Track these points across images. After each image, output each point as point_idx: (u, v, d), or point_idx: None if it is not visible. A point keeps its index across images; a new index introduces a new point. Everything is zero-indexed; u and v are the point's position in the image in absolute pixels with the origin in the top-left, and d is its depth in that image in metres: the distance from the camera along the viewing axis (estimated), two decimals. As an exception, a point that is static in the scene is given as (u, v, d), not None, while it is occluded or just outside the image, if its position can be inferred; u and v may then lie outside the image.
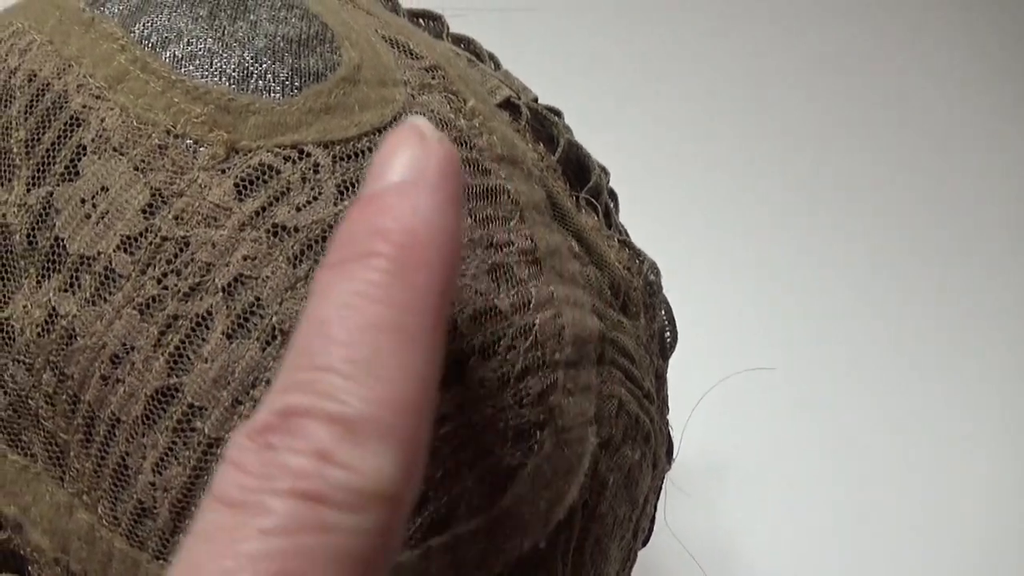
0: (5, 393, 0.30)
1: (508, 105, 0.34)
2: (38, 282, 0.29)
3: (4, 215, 0.30)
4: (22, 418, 0.30)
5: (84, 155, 0.30)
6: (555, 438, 0.29)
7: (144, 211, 0.29)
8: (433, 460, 0.28)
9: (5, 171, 0.31)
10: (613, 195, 0.38)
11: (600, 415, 0.30)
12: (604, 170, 0.37)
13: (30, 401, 0.29)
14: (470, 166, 0.31)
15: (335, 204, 0.29)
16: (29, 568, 0.30)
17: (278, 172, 0.29)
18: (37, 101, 0.31)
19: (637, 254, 0.36)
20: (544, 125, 0.35)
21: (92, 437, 0.29)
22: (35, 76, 0.31)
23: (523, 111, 0.34)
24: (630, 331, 0.33)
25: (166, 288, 0.28)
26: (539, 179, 0.32)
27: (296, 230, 0.28)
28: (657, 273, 0.36)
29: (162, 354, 0.28)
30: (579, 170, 0.36)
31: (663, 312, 0.36)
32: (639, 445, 0.32)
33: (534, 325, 0.29)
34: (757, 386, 0.52)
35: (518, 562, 0.29)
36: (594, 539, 0.31)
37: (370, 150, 0.30)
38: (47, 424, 0.29)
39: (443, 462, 0.28)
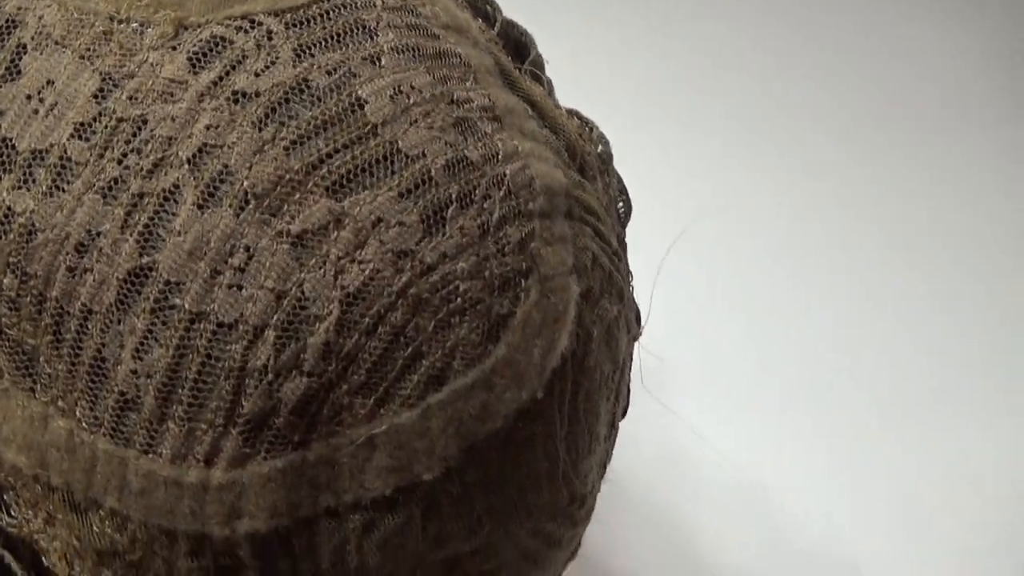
0: None
1: None
2: None
3: None
4: None
5: (24, 54, 0.29)
6: (540, 286, 0.29)
7: (95, 96, 0.28)
8: (423, 312, 0.27)
9: None
10: (549, 81, 0.38)
11: (578, 266, 0.30)
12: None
13: None
14: (418, 31, 0.31)
15: (293, 67, 0.28)
16: (4, 497, 0.29)
17: (231, 43, 0.28)
18: None
19: (586, 123, 0.36)
20: (479, 3, 0.35)
21: (63, 335, 0.27)
22: None
23: None
24: (591, 192, 0.33)
25: (127, 168, 0.27)
26: (485, 47, 0.32)
27: (257, 95, 0.28)
28: (607, 143, 0.36)
29: (131, 235, 0.27)
30: (518, 46, 0.36)
31: (615, 182, 0.36)
32: (615, 301, 0.32)
33: (505, 175, 0.29)
34: (714, 238, 0.52)
35: (518, 414, 0.29)
36: (585, 393, 0.31)
37: (320, 16, 0.29)
38: (11, 332, 0.28)
39: (433, 313, 0.27)
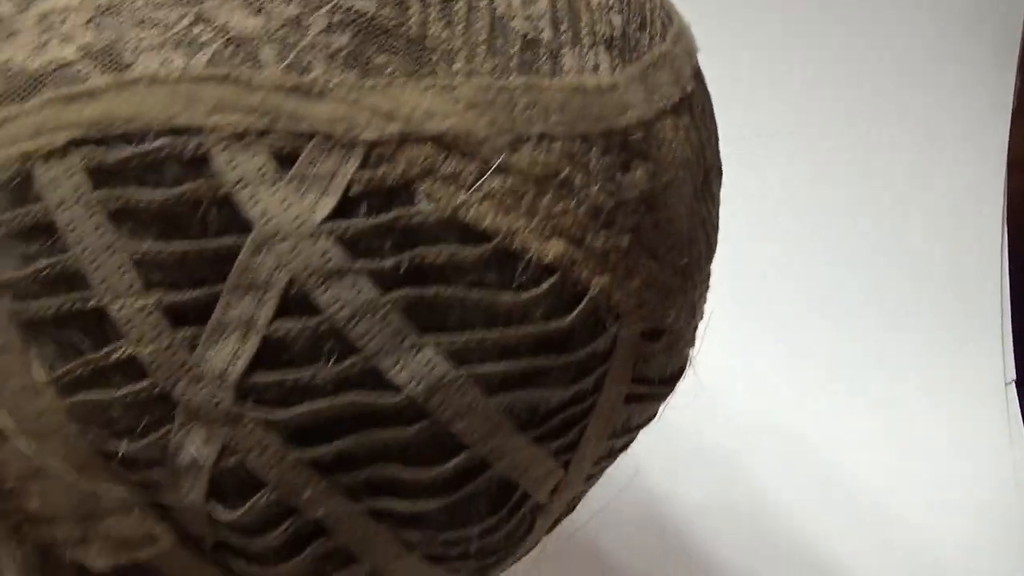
0: (345, 28, 0.30)
1: None
2: None
3: None
4: (369, 40, 0.31)
5: None
6: None
7: None
8: None
9: None
10: None
11: None
12: None
13: (376, 21, 0.31)
14: None
15: None
16: (414, 191, 0.30)
17: None
18: None
19: None
20: None
21: (455, 16, 0.31)
22: None
23: None
24: None
25: None
26: None
27: None
28: None
29: None
30: None
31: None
32: None
33: None
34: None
35: (693, 72, 0.37)
36: None
37: None
38: (402, 30, 0.31)
39: None
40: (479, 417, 0.32)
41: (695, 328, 0.38)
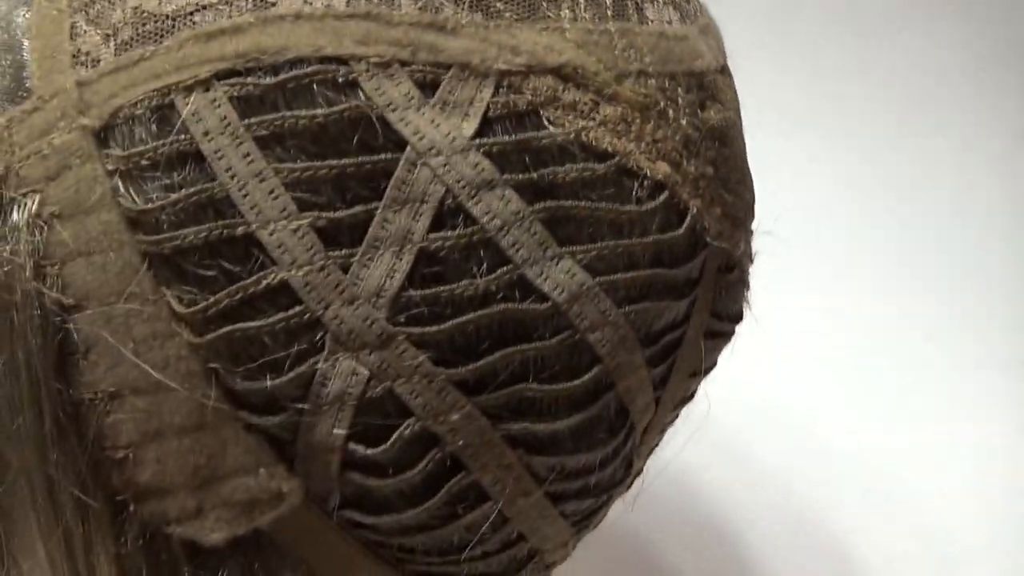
0: None
1: None
2: None
3: None
4: None
5: None
6: None
7: None
8: None
9: None
10: None
11: None
12: None
13: None
14: None
15: None
16: (540, 118, 0.33)
17: None
18: None
19: None
20: None
21: None
22: None
23: None
24: None
25: None
26: None
27: None
28: None
29: None
30: None
31: None
32: None
33: None
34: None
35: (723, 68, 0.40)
36: None
37: None
38: None
39: None
40: (611, 327, 0.33)
41: (749, 269, 0.41)
